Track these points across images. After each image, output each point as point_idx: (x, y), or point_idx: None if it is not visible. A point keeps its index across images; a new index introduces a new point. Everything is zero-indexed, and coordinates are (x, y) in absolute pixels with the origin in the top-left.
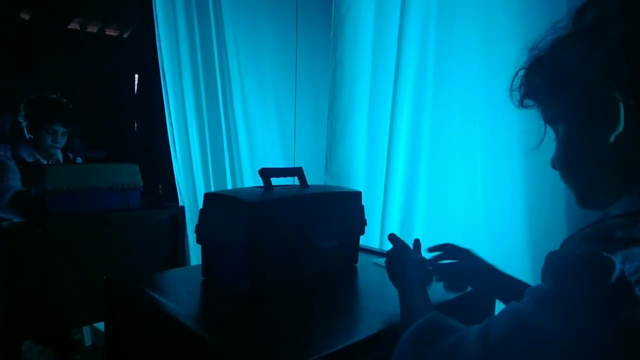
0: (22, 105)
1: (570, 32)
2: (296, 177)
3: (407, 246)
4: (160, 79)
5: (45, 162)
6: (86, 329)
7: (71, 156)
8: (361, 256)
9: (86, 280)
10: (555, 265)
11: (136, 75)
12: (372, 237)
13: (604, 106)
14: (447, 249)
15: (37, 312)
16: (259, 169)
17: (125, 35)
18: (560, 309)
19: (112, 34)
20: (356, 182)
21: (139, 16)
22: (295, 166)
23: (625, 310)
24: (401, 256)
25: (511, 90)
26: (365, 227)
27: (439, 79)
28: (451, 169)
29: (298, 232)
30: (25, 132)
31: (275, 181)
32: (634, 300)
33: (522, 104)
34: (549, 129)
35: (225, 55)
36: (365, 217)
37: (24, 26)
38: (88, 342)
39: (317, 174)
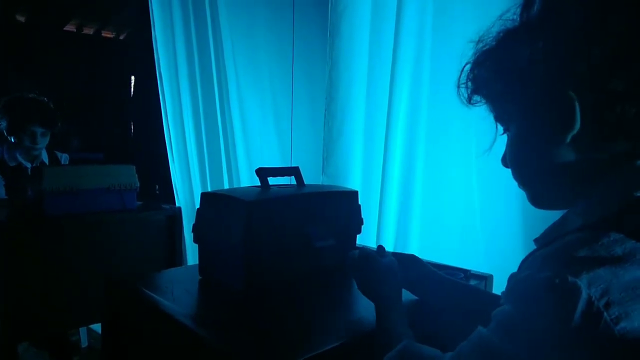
0: None
1: (520, 24)
2: (293, 177)
3: (372, 256)
4: (156, 80)
5: (28, 164)
6: (82, 330)
7: (59, 155)
8: None
9: (83, 282)
10: (519, 290)
11: (132, 77)
12: (369, 236)
13: (558, 105)
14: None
15: (34, 314)
16: (255, 169)
17: (121, 37)
18: (525, 337)
19: (108, 36)
20: (353, 182)
21: (135, 18)
22: (292, 166)
23: (594, 339)
24: (367, 268)
25: (458, 86)
26: (362, 226)
27: (435, 78)
28: (447, 168)
29: (295, 231)
30: (5, 134)
31: (272, 181)
32: (604, 328)
33: (470, 101)
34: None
35: (222, 55)
36: (362, 216)
37: (20, 28)
38: (84, 343)
39: (314, 174)
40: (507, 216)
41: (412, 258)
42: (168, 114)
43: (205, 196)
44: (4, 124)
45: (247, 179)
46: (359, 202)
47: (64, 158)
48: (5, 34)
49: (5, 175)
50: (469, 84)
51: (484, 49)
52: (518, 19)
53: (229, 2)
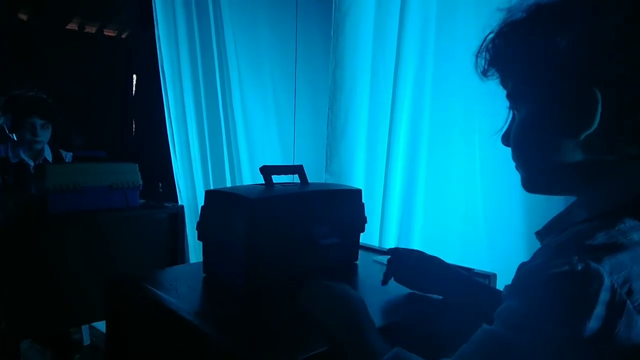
0: None
1: (557, 2)
2: (296, 175)
3: (329, 284)
4: (159, 78)
5: (31, 162)
6: (85, 329)
7: (64, 154)
8: (361, 254)
9: (86, 279)
10: (529, 280)
11: (134, 76)
12: (372, 235)
13: (580, 101)
14: (397, 253)
15: (37, 311)
16: (258, 167)
17: (123, 36)
18: (536, 327)
19: (110, 34)
20: (356, 180)
21: (137, 17)
22: (296, 164)
23: (619, 329)
24: (337, 296)
25: (477, 55)
26: (366, 224)
27: (438, 77)
28: (450, 167)
29: (298, 229)
30: (7, 132)
31: (275, 179)
32: (628, 317)
33: (485, 74)
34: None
35: (225, 54)
36: (365, 214)
37: (23, 27)
38: (87, 341)
39: (316, 172)
40: (510, 215)
41: (436, 260)
42: (171, 112)
43: (209, 194)
44: (5, 121)
45: (249, 178)
46: (363, 201)
47: (68, 157)
48: (8, 33)
49: (8, 172)
50: (487, 55)
51: (511, 19)
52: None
53: (231, 0)
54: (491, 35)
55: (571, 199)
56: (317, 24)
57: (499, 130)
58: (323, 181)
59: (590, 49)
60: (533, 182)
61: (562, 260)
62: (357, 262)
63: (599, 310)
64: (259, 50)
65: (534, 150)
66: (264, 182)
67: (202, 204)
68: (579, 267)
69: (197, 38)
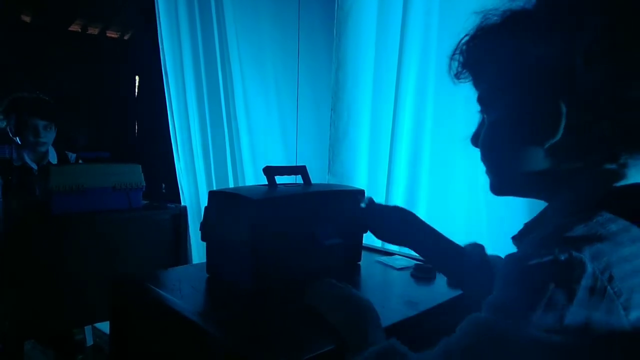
0: (0, 109)
1: (531, 12)
2: (299, 176)
3: (337, 284)
4: (161, 80)
5: (34, 165)
6: (88, 329)
7: (70, 155)
8: (364, 254)
9: (88, 280)
10: (521, 270)
11: (137, 77)
12: None
13: (546, 112)
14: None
15: (40, 312)
16: (260, 168)
17: (125, 38)
18: (529, 315)
19: (112, 36)
20: (359, 181)
21: (140, 19)
22: (299, 165)
23: (600, 314)
24: (344, 294)
25: (451, 58)
26: None
27: (440, 77)
28: (453, 167)
29: (302, 229)
30: (11, 135)
31: (278, 180)
32: (609, 302)
33: (458, 77)
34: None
35: (227, 55)
36: None
37: (25, 29)
38: (90, 342)
39: (319, 173)
40: (514, 216)
41: (418, 218)
42: (174, 113)
43: (212, 194)
44: (8, 124)
45: (252, 178)
46: None
47: (72, 158)
48: (11, 35)
49: (12, 174)
50: (461, 57)
51: (486, 23)
52: (530, 6)
53: (234, 0)
54: (466, 38)
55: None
56: (319, 23)
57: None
58: (326, 182)
59: (558, 63)
60: (500, 185)
61: (545, 250)
62: (360, 262)
63: (582, 295)
64: (262, 51)
65: (501, 155)
66: (266, 183)
67: (206, 205)
68: (562, 257)
69: (200, 38)
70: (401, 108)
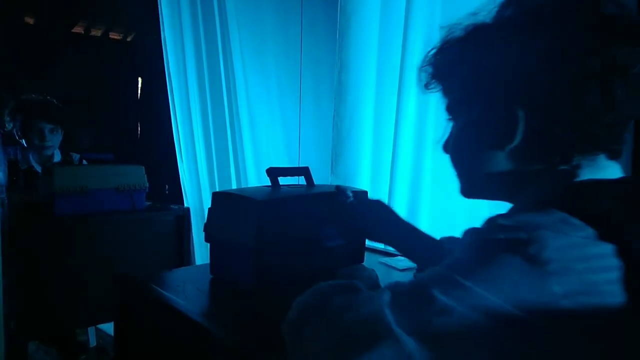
0: (5, 111)
1: (490, 26)
2: (302, 177)
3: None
4: (164, 81)
5: (39, 168)
6: (91, 330)
7: (74, 156)
8: (367, 255)
9: (92, 281)
10: (476, 242)
11: (140, 78)
12: None
13: (504, 119)
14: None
15: (44, 313)
16: (263, 170)
17: (128, 39)
18: (476, 275)
19: (115, 37)
20: (361, 182)
21: (143, 20)
22: (302, 166)
23: (531, 280)
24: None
25: (420, 70)
26: None
27: None
28: None
29: (305, 230)
30: (17, 138)
31: (281, 181)
32: (543, 280)
33: (427, 87)
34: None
35: (230, 57)
36: None
37: (29, 31)
38: (93, 343)
39: (321, 174)
40: None
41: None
42: (177, 114)
43: (216, 195)
44: (14, 126)
45: (255, 180)
46: None
47: (76, 158)
48: (14, 37)
49: (17, 175)
50: (430, 68)
51: (451, 36)
52: (490, 20)
53: (237, 2)
54: (433, 51)
55: None
56: (322, 26)
57: (439, 140)
58: (329, 183)
59: (513, 73)
60: (468, 189)
61: (498, 229)
62: (363, 263)
63: (521, 270)
64: (265, 53)
65: (467, 160)
66: (270, 184)
67: (209, 206)
68: (509, 236)
69: (203, 41)
70: (404, 109)
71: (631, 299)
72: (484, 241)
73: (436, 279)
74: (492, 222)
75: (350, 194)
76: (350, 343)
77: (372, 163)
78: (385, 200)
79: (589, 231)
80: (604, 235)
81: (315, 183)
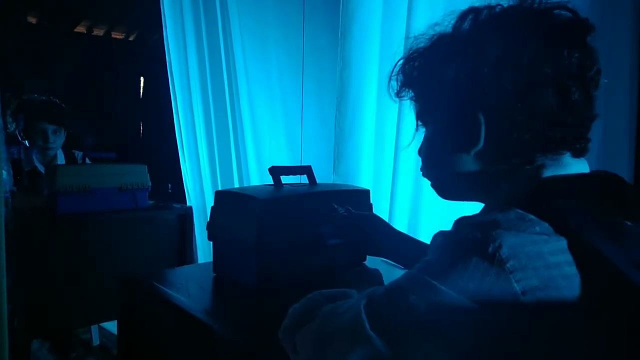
0: (8, 111)
1: (451, 35)
2: (304, 176)
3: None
4: (166, 80)
5: (42, 169)
6: (94, 329)
7: (77, 154)
8: None
9: (95, 280)
10: (443, 242)
11: (142, 78)
12: None
13: (467, 123)
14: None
15: (47, 312)
16: (265, 169)
17: (130, 39)
18: (445, 275)
19: (118, 37)
20: (364, 181)
21: (145, 20)
22: (304, 165)
23: (494, 285)
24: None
25: (390, 79)
26: None
27: None
28: None
29: (307, 229)
30: (20, 139)
31: (283, 180)
32: (503, 277)
33: (398, 95)
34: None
35: (232, 55)
36: None
37: (31, 30)
38: (96, 341)
39: (324, 173)
40: None
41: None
42: (179, 113)
43: (219, 194)
44: (17, 127)
45: (257, 178)
46: (371, 201)
47: (79, 157)
48: (17, 36)
49: (21, 175)
50: (400, 77)
51: (417, 46)
52: (450, 30)
53: (239, 1)
54: (401, 61)
55: None
56: (324, 25)
57: (409, 144)
58: (331, 182)
59: (472, 79)
60: (441, 190)
61: (464, 229)
62: (365, 262)
63: (481, 268)
64: (267, 52)
65: (437, 164)
66: (272, 183)
67: (212, 205)
68: (473, 236)
69: (205, 40)
70: (406, 108)
71: (586, 292)
72: (449, 242)
73: (409, 281)
74: (458, 223)
75: (342, 212)
76: (332, 346)
77: (375, 161)
78: (388, 199)
79: (544, 226)
80: (558, 230)
81: (317, 182)
